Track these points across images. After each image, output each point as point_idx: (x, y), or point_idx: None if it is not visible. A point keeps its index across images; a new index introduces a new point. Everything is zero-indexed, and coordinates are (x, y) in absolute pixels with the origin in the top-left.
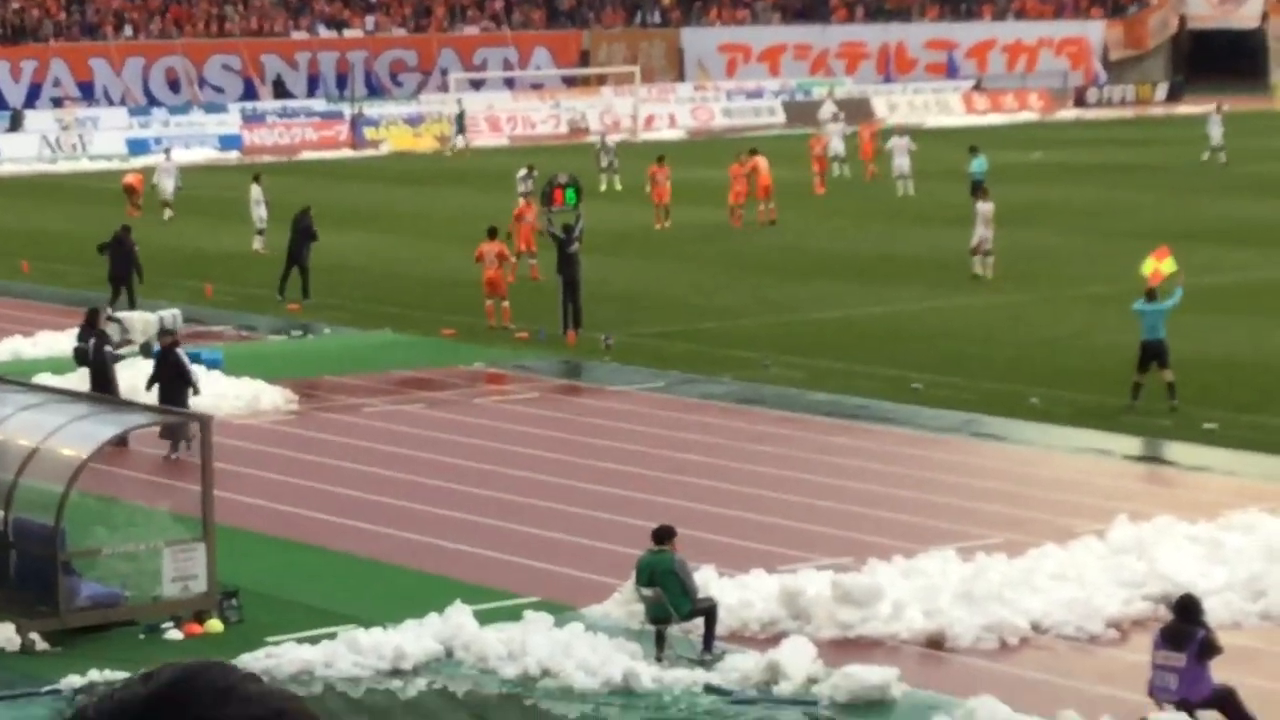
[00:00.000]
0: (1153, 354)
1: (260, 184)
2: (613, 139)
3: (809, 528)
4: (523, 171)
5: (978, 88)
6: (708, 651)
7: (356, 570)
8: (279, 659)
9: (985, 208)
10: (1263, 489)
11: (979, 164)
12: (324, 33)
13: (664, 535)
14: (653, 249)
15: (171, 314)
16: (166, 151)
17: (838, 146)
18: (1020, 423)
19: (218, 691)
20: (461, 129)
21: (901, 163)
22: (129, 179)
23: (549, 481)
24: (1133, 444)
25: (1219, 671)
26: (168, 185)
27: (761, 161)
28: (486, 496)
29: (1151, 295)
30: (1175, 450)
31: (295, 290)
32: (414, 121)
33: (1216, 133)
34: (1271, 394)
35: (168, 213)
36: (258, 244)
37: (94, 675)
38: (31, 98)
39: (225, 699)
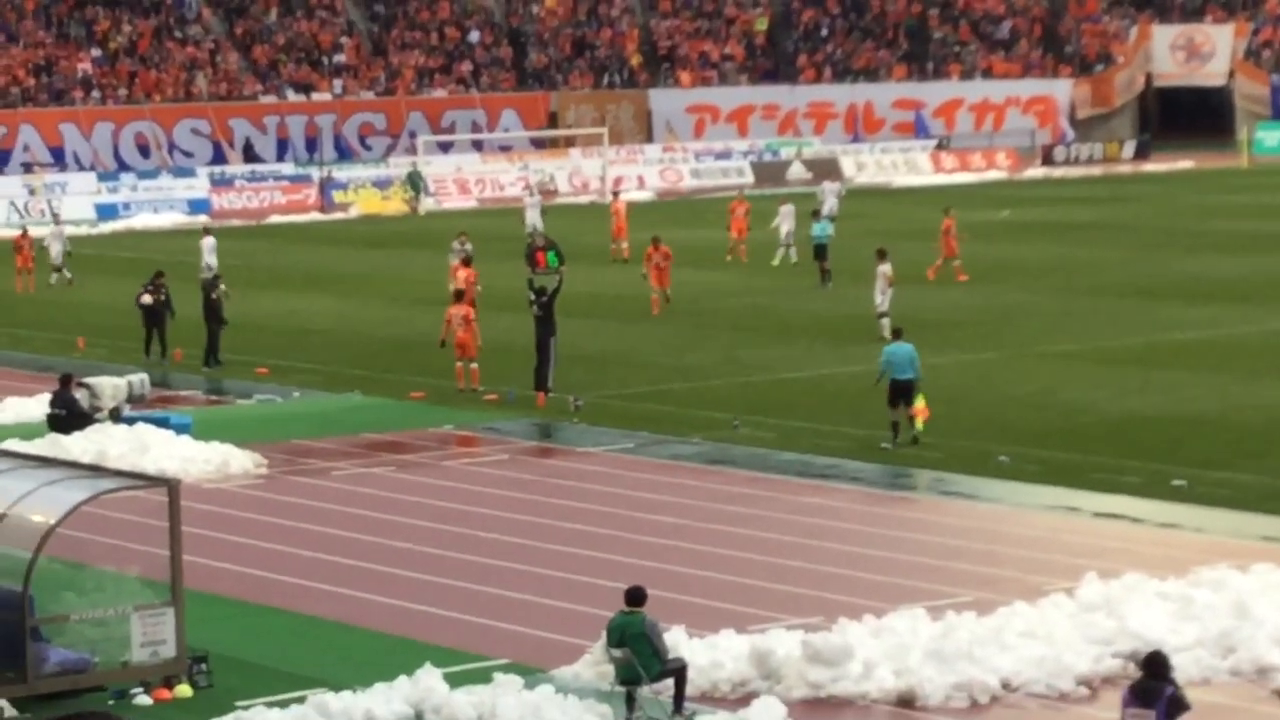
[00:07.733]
0: (901, 392)
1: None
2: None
3: (779, 588)
4: (455, 244)
5: (943, 146)
6: (678, 713)
7: (326, 634)
8: None
9: (884, 269)
10: (1231, 545)
11: (821, 229)
12: (292, 97)
13: (638, 597)
14: (623, 310)
15: (140, 378)
16: (55, 217)
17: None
18: (989, 480)
19: None
20: (417, 190)
21: (788, 229)
22: (16, 236)
23: (519, 543)
24: (1101, 501)
25: None
26: (55, 248)
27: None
28: (456, 559)
29: (898, 334)
30: (1144, 507)
31: (265, 353)
32: (382, 184)
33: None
34: (1238, 450)
35: (54, 277)
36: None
37: None
38: (0, 163)
39: None
